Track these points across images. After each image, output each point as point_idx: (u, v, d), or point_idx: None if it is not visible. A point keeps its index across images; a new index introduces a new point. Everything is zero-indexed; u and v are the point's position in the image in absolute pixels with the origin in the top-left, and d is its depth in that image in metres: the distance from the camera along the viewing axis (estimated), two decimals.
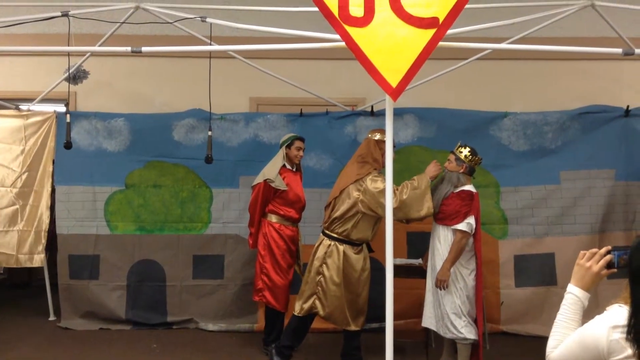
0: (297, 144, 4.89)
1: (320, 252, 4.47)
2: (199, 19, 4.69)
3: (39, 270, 6.03)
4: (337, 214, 4.41)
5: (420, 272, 4.82)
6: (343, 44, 3.10)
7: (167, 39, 5.70)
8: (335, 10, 3.00)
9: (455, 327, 4.17)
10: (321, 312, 4.47)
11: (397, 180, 4.31)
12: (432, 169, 4.35)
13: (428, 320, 4.40)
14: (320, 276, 4.44)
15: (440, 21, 2.96)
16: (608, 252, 1.85)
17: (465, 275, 4.20)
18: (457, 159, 4.31)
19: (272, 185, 4.74)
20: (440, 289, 4.19)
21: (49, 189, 5.71)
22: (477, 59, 5.52)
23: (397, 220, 4.39)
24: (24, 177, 5.64)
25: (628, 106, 5.52)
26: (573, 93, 6.14)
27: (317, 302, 4.46)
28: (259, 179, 4.83)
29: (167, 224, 5.74)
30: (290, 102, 6.06)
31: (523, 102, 6.07)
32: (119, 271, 5.68)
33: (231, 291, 5.68)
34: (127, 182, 5.74)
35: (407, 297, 5.27)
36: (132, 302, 5.67)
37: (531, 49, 3.97)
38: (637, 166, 5.50)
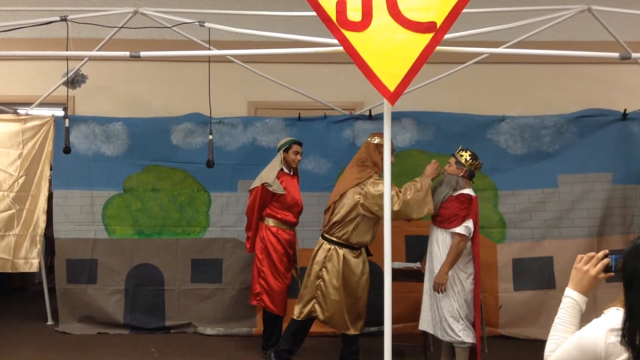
0: (295, 148, 4.89)
1: (320, 256, 4.47)
2: (197, 23, 4.70)
3: (33, 274, 6.01)
4: (337, 217, 4.41)
5: (418, 276, 4.82)
6: (341, 48, 3.11)
7: (165, 44, 5.70)
8: (333, 14, 3.00)
9: (453, 330, 4.17)
10: (320, 316, 4.47)
11: (396, 184, 4.32)
12: (430, 170, 4.37)
13: (425, 324, 4.39)
14: (320, 280, 4.44)
15: (438, 26, 2.97)
16: (605, 256, 1.86)
17: (463, 279, 4.20)
18: (457, 162, 4.32)
19: (270, 189, 4.74)
20: (438, 292, 4.19)
21: (46, 193, 5.70)
22: (475, 63, 5.53)
23: (397, 220, 4.42)
24: (20, 181, 5.63)
25: (625, 110, 5.54)
26: (570, 97, 6.15)
27: (316, 306, 4.46)
28: (257, 182, 4.83)
29: (166, 228, 5.74)
30: (288, 106, 6.07)
31: (521, 105, 6.08)
32: (117, 275, 5.68)
33: (229, 295, 5.68)
34: (125, 186, 5.74)
35: (406, 301, 5.27)
36: (130, 307, 5.66)
37: (528, 53, 3.98)
38: (634, 169, 5.51)
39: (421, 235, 5.15)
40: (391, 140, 4.40)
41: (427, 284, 4.38)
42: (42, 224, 5.64)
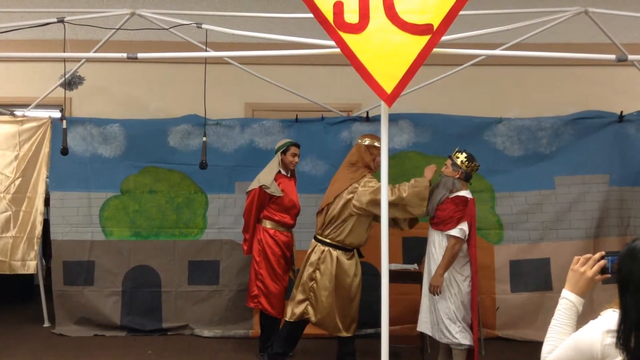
0: (293, 150, 4.89)
1: (313, 258, 4.47)
2: (195, 25, 4.70)
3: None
4: (331, 219, 4.41)
5: (415, 278, 4.83)
6: (338, 50, 3.11)
7: (163, 45, 5.69)
8: (330, 16, 3.01)
9: (450, 332, 4.17)
10: (313, 319, 4.46)
11: (392, 185, 4.32)
12: (428, 172, 4.38)
13: (423, 325, 4.40)
14: (313, 282, 4.44)
15: (435, 28, 2.97)
16: (602, 258, 1.86)
17: (459, 281, 4.21)
18: (454, 164, 4.32)
19: (267, 191, 4.74)
20: (434, 295, 4.20)
21: (43, 195, 5.69)
22: (472, 65, 5.54)
23: (396, 220, 4.41)
24: (17, 183, 5.62)
25: (622, 112, 5.55)
26: (567, 98, 6.17)
27: (309, 307, 4.46)
28: (254, 184, 4.83)
29: (163, 230, 5.73)
30: (285, 108, 6.07)
31: (518, 107, 6.10)
32: (114, 277, 5.66)
33: (227, 297, 5.67)
34: (123, 188, 5.73)
35: (403, 303, 5.27)
36: (127, 308, 5.65)
37: (525, 55, 3.98)
38: (631, 171, 5.53)
39: (418, 237, 5.15)
40: (380, 140, 4.44)
41: (426, 286, 4.38)
42: (39, 226, 5.62)
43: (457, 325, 4.16)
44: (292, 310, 4.50)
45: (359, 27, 2.98)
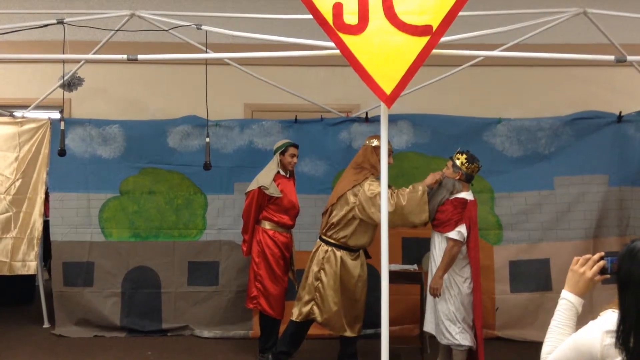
0: (291, 150, 4.89)
1: (318, 258, 4.48)
2: (194, 26, 4.70)
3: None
4: (334, 220, 4.42)
5: (415, 278, 4.84)
6: (337, 51, 3.12)
7: (162, 46, 5.68)
8: (329, 18, 3.01)
9: (450, 333, 4.18)
10: (319, 318, 4.47)
11: (393, 186, 4.33)
12: (429, 179, 4.33)
13: (429, 325, 4.40)
14: (318, 282, 4.44)
15: (434, 29, 2.98)
16: (601, 258, 1.86)
17: (459, 282, 4.21)
18: (454, 165, 4.32)
19: (266, 192, 4.74)
20: (434, 297, 4.21)
21: (43, 196, 5.69)
22: (471, 65, 5.55)
23: (400, 226, 4.40)
24: (17, 184, 5.62)
25: (620, 112, 5.56)
26: (566, 99, 6.18)
27: (315, 307, 4.46)
28: (253, 185, 4.83)
29: (162, 231, 5.74)
30: (285, 109, 6.08)
31: (517, 108, 6.10)
32: (113, 278, 5.67)
33: (226, 298, 5.67)
34: (122, 189, 5.73)
35: (402, 303, 5.28)
36: (127, 309, 5.65)
37: (524, 56, 3.98)
38: (630, 171, 5.54)
39: (418, 237, 5.16)
40: (389, 142, 4.43)
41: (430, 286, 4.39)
42: (39, 227, 5.63)
43: (457, 326, 4.17)
44: (300, 310, 4.50)
45: (359, 28, 2.98)
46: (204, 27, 4.67)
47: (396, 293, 4.73)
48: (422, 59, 2.99)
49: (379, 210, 4.13)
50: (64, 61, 4.90)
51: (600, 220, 5.53)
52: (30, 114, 5.84)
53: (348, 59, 3.05)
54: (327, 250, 4.45)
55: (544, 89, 6.34)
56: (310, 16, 3.12)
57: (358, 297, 4.49)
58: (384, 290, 3.20)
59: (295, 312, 4.53)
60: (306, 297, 4.49)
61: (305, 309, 4.48)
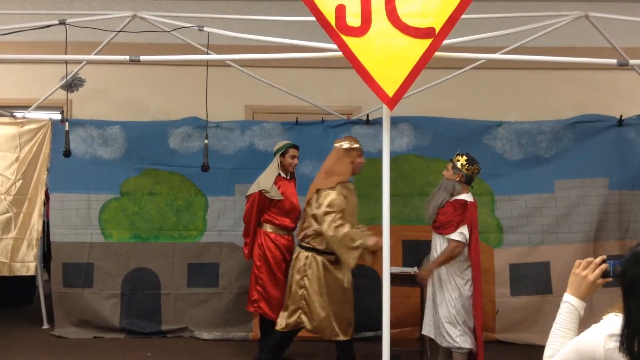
0: (292, 151, 4.89)
1: (299, 264, 4.43)
2: (196, 28, 4.70)
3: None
4: (305, 225, 4.40)
5: (415, 281, 4.83)
6: (340, 53, 3.12)
7: (164, 48, 5.70)
8: (332, 20, 3.01)
9: (450, 336, 4.17)
10: (308, 326, 4.41)
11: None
12: (373, 242, 4.18)
13: (427, 328, 4.40)
14: (302, 289, 4.39)
15: (437, 31, 2.98)
16: (603, 261, 1.87)
17: (460, 285, 4.21)
18: (454, 167, 4.32)
19: (267, 195, 4.73)
20: (422, 286, 4.20)
21: (43, 196, 5.68)
22: (472, 68, 5.56)
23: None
24: (18, 184, 5.61)
25: (621, 116, 5.56)
26: (567, 102, 6.18)
27: (303, 316, 4.41)
28: (254, 188, 4.82)
29: (162, 232, 5.73)
30: (286, 111, 6.08)
31: (517, 111, 6.10)
32: (113, 279, 5.66)
33: (226, 299, 5.66)
34: (122, 190, 5.73)
35: (403, 306, 5.27)
36: (127, 311, 5.64)
37: (526, 59, 3.99)
38: (630, 175, 5.54)
39: (418, 240, 5.16)
40: (357, 142, 4.40)
41: (430, 289, 4.39)
42: (38, 228, 5.62)
43: (458, 329, 4.16)
44: (286, 321, 4.43)
45: (361, 30, 2.99)
46: (205, 29, 4.67)
47: (396, 296, 4.70)
48: (424, 62, 2.99)
49: (330, 229, 4.10)
50: (66, 62, 4.90)
51: (601, 224, 5.53)
52: (31, 114, 5.84)
53: (350, 61, 3.05)
54: (307, 257, 4.40)
55: (544, 92, 6.34)
56: (312, 18, 3.12)
57: (346, 300, 4.43)
58: (386, 292, 3.19)
59: (282, 323, 4.45)
60: (293, 307, 4.42)
61: (293, 319, 4.42)
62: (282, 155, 4.87)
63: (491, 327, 5.48)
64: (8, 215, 5.57)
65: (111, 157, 5.73)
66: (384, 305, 3.17)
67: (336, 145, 4.51)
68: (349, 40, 3.00)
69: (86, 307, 5.62)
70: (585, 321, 1.85)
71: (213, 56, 4.42)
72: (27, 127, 5.69)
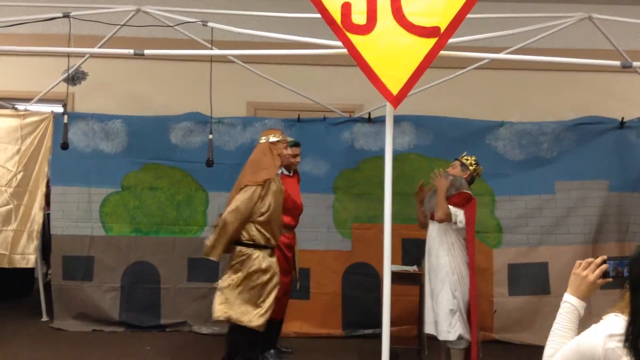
0: (293, 150, 4.87)
1: (234, 261, 4.25)
2: (200, 23, 4.71)
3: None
4: None
5: (414, 279, 4.84)
6: (344, 50, 3.12)
7: (167, 42, 5.69)
8: (337, 17, 3.02)
9: (450, 324, 4.16)
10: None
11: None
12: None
13: (428, 326, 4.41)
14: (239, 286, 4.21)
15: (442, 31, 2.99)
16: (603, 262, 1.88)
17: (464, 273, 4.21)
18: (463, 165, 4.40)
19: None
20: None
21: (44, 189, 5.68)
22: (475, 68, 5.56)
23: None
24: (19, 176, 5.61)
25: (623, 118, 5.58)
26: (569, 104, 6.20)
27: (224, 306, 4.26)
28: None
29: (163, 227, 5.73)
30: (288, 107, 6.08)
31: (520, 111, 6.12)
32: (113, 273, 5.67)
33: None
34: (123, 184, 5.73)
35: (401, 304, 5.26)
36: (126, 304, 5.65)
37: (529, 59, 4.01)
38: (630, 177, 5.55)
39: (418, 238, 5.15)
40: (282, 134, 4.31)
41: (428, 286, 4.39)
42: (39, 220, 5.62)
43: (458, 316, 4.16)
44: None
45: (367, 28, 2.99)
46: (209, 24, 4.68)
47: (395, 294, 4.66)
48: (429, 61, 3.01)
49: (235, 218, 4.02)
50: (68, 55, 4.90)
51: (600, 226, 5.54)
52: (33, 107, 5.84)
53: (355, 58, 3.06)
54: (240, 251, 4.21)
55: (547, 94, 6.35)
56: (317, 15, 3.13)
57: (266, 294, 4.20)
58: (386, 290, 3.21)
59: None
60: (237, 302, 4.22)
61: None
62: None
63: (489, 326, 5.49)
64: (9, 207, 5.57)
65: (112, 151, 5.74)
66: (385, 303, 3.19)
67: (262, 140, 4.38)
68: (354, 38, 3.01)
69: (86, 300, 5.63)
70: (585, 321, 1.86)
71: (217, 51, 4.43)
72: (28, 120, 5.69)
